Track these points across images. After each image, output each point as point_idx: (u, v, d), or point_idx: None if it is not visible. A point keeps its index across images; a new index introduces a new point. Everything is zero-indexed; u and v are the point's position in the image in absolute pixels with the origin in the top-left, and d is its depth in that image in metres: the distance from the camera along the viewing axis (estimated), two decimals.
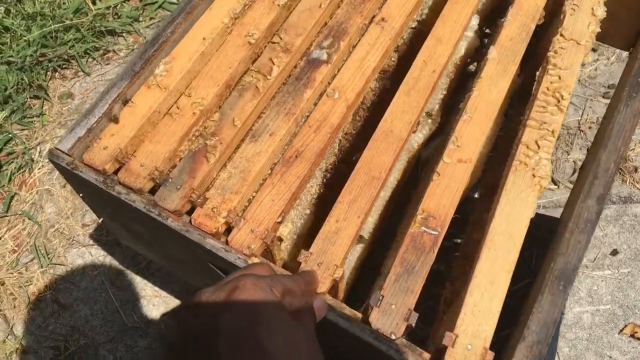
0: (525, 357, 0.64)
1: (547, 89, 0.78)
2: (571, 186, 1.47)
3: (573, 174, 1.50)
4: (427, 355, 0.67)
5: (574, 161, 1.53)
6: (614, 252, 1.39)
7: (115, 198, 0.77)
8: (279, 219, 0.75)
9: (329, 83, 0.85)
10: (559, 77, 0.78)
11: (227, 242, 0.73)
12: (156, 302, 1.39)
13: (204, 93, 0.83)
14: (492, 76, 0.82)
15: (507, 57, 0.83)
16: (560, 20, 0.83)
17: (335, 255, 0.72)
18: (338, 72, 0.85)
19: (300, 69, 0.85)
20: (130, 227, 0.87)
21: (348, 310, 0.69)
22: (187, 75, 0.85)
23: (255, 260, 0.71)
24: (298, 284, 0.58)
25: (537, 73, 0.81)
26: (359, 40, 0.87)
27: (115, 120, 0.80)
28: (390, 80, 0.96)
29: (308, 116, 0.83)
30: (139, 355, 1.34)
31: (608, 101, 1.59)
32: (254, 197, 0.79)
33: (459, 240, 0.95)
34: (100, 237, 1.49)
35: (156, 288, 1.42)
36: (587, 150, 1.39)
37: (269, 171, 0.81)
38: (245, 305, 0.49)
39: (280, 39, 0.87)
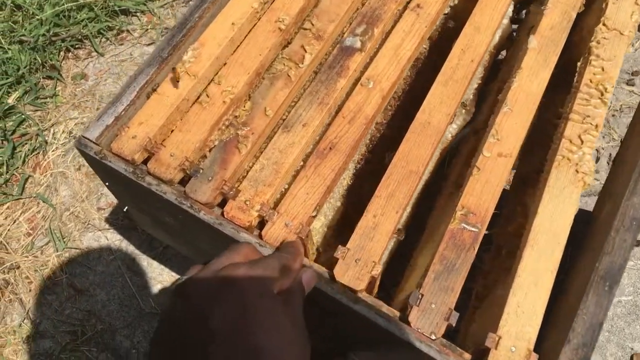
0: None
1: (590, 81, 0.75)
2: (596, 175, 1.45)
3: (597, 161, 1.48)
4: (467, 355, 0.65)
5: (596, 149, 1.50)
6: (638, 243, 1.37)
7: (144, 189, 0.75)
8: (314, 213, 0.73)
9: (363, 72, 0.82)
10: (602, 69, 0.75)
11: (260, 236, 0.71)
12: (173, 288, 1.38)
13: (234, 81, 0.81)
14: (532, 66, 0.79)
15: (548, 47, 0.81)
16: (603, 9, 0.80)
17: (373, 251, 0.70)
18: (372, 60, 0.83)
19: (333, 57, 0.82)
20: (157, 217, 0.85)
21: (386, 309, 0.68)
22: (216, 62, 0.83)
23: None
24: (287, 261, 0.59)
25: (579, 64, 0.78)
26: (393, 27, 0.84)
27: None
28: (421, 68, 0.93)
29: (341, 106, 0.81)
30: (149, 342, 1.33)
31: (632, 88, 1.57)
32: (286, 189, 0.77)
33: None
34: (116, 221, 1.47)
35: (173, 273, 1.40)
36: (621, 141, 1.37)
37: (301, 163, 0.79)
38: (238, 302, 0.48)
39: (312, 25, 0.84)
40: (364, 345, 0.80)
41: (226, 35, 0.83)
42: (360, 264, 0.69)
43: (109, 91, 1.65)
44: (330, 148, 0.76)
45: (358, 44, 0.82)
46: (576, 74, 0.78)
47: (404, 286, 0.83)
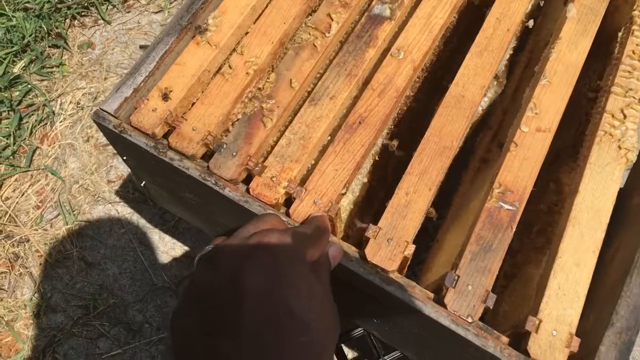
0: (614, 344, 0.60)
1: (633, 53, 0.71)
2: None
3: None
4: (505, 339, 0.63)
5: None
6: None
7: (166, 164, 0.72)
8: (343, 191, 0.70)
9: (392, 42, 0.78)
10: None
11: (288, 214, 0.68)
12: (186, 262, 1.36)
13: (257, 51, 0.77)
14: (571, 37, 0.75)
15: (587, 16, 0.77)
16: None
17: (405, 230, 0.67)
18: (401, 29, 0.79)
19: (361, 25, 0.78)
20: (176, 193, 0.82)
21: (419, 290, 0.65)
22: (238, 31, 0.79)
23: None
24: (316, 234, 0.56)
25: (620, 34, 0.75)
26: None
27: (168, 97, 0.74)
28: (449, 38, 0.89)
29: (369, 78, 0.77)
30: (169, 316, 1.31)
31: None
32: (312, 165, 0.74)
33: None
34: (126, 194, 1.44)
35: (186, 247, 1.38)
36: None
37: (328, 137, 0.76)
38: (271, 265, 0.46)
39: None
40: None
41: (248, 2, 0.80)
42: (392, 244, 0.66)
43: (117, 60, 1.60)
44: (360, 122, 0.72)
45: (387, 12, 0.78)
46: (617, 45, 0.75)
47: (431, 265, 0.81)
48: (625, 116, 0.68)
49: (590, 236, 0.64)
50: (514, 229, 0.66)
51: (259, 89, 0.77)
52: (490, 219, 0.67)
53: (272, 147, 0.75)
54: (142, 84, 0.75)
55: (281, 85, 0.75)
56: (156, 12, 1.67)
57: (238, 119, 0.76)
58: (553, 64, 0.74)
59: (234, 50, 0.78)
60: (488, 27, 0.77)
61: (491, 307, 0.63)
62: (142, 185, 0.86)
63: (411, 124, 0.88)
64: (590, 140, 0.69)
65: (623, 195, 0.70)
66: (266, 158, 0.72)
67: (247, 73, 0.75)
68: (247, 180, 0.72)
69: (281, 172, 0.70)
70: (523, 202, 0.68)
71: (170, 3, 1.67)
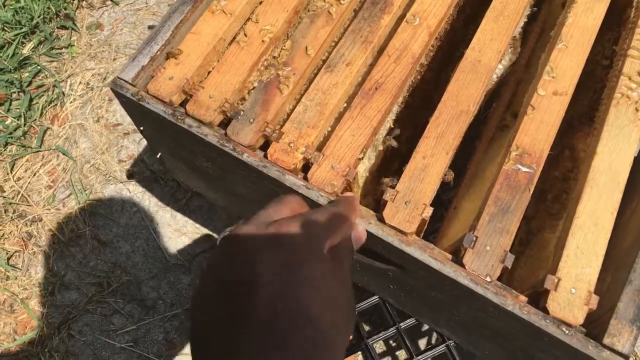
0: (632, 302, 0.61)
1: None
2: None
3: None
4: (523, 298, 0.63)
5: None
6: None
7: (184, 131, 0.72)
8: (361, 155, 0.70)
9: (407, 8, 0.78)
10: None
11: (306, 179, 0.69)
12: (198, 240, 1.37)
13: (272, 19, 0.77)
14: (587, 1, 0.75)
15: None
16: None
17: (423, 193, 0.67)
18: None
19: None
20: (193, 163, 0.83)
21: (437, 251, 0.66)
22: None
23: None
24: (340, 216, 0.55)
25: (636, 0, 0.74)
26: None
27: (174, 55, 0.74)
28: (462, 7, 0.89)
29: (384, 45, 0.77)
30: (183, 292, 1.33)
31: None
32: (329, 131, 0.74)
33: None
34: (138, 173, 1.45)
35: (197, 225, 1.39)
36: None
37: (344, 104, 0.76)
38: (287, 258, 0.45)
39: None
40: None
41: None
42: (410, 207, 0.67)
43: (125, 41, 1.61)
44: (376, 88, 0.73)
45: None
46: (633, 10, 0.74)
47: (446, 231, 0.81)
48: None
49: (608, 197, 0.64)
50: (531, 191, 0.67)
51: (274, 57, 0.78)
52: (508, 181, 0.67)
53: (289, 114, 0.75)
54: (159, 52, 0.76)
55: (297, 52, 0.75)
56: None
57: (254, 87, 0.76)
58: (569, 29, 0.74)
59: (249, 18, 0.79)
60: None
61: (509, 267, 0.63)
62: (158, 156, 0.87)
63: (425, 93, 0.88)
64: (607, 103, 0.70)
65: (637, 160, 0.70)
66: (283, 125, 0.73)
67: (262, 41, 0.76)
68: (264, 147, 0.72)
69: (298, 138, 0.71)
70: (540, 164, 0.68)
71: None
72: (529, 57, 0.96)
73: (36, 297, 1.33)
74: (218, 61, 0.76)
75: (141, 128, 0.81)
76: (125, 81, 0.74)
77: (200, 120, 0.72)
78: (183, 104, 0.75)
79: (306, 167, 0.71)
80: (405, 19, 0.76)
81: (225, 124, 0.74)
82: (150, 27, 1.61)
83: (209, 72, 0.77)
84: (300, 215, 0.51)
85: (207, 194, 0.95)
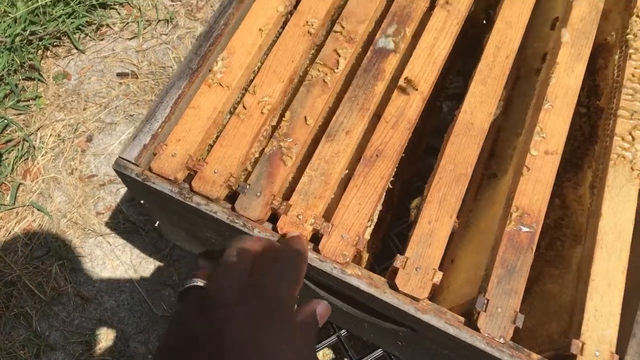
0: (638, 354, 0.65)
1: (633, 76, 0.76)
2: None
3: None
4: (535, 356, 0.66)
5: None
6: None
7: (191, 208, 0.73)
8: (369, 223, 0.73)
9: (398, 73, 0.81)
10: None
11: (317, 250, 0.70)
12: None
13: (269, 90, 0.79)
14: (567, 61, 0.80)
15: (580, 40, 0.81)
16: (633, 0, 0.81)
17: (432, 258, 0.70)
18: (406, 61, 0.82)
19: (367, 59, 0.81)
20: (195, 233, 0.83)
21: (450, 315, 0.68)
22: (247, 71, 0.81)
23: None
24: (298, 265, 0.59)
25: (616, 58, 0.79)
26: (425, 26, 0.83)
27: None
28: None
29: (378, 110, 0.80)
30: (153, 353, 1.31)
31: None
32: (333, 198, 0.76)
33: None
34: (117, 225, 1.43)
35: (182, 274, 1.38)
36: None
37: (346, 171, 0.78)
38: (257, 317, 0.48)
39: (342, 27, 0.82)
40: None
41: (254, 42, 0.81)
42: (421, 272, 0.69)
43: (94, 90, 1.59)
44: (377, 155, 0.75)
45: (391, 45, 0.81)
46: (615, 69, 0.79)
47: (450, 284, 0.84)
48: (633, 138, 0.73)
49: (617, 256, 0.68)
50: (534, 250, 0.70)
51: (273, 127, 0.79)
52: (512, 242, 0.70)
53: (291, 183, 0.77)
54: (160, 129, 0.76)
55: (297, 122, 0.77)
56: (130, 39, 1.66)
57: (256, 158, 0.78)
58: (554, 89, 0.78)
59: (246, 90, 0.80)
60: (488, 55, 0.81)
61: (520, 327, 0.66)
62: (156, 225, 0.87)
63: (410, 146, 0.91)
64: (604, 163, 0.74)
65: None
66: (287, 195, 0.74)
67: (261, 112, 0.77)
68: (272, 218, 0.74)
69: (306, 210, 0.72)
70: (540, 223, 0.71)
71: (144, 28, 1.66)
72: (506, 105, 1.00)
73: None
74: (219, 134, 0.78)
75: (142, 202, 0.81)
76: (129, 161, 0.74)
77: (207, 196, 0.73)
78: (186, 178, 0.76)
79: (315, 237, 0.73)
80: (398, 85, 0.79)
81: (230, 196, 0.75)
82: (119, 75, 1.60)
83: (210, 146, 0.78)
84: (281, 275, 0.55)
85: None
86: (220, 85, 0.78)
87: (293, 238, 0.69)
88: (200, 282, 0.55)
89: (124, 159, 0.74)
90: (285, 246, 0.65)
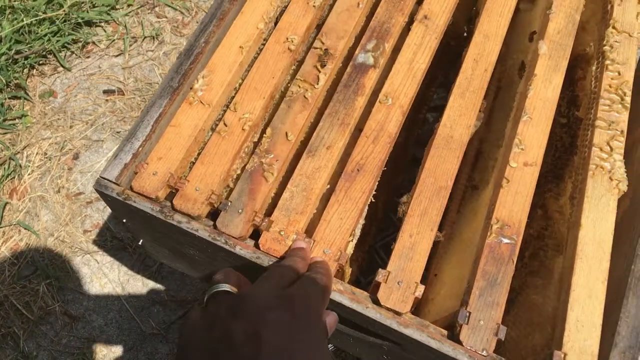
0: None
1: (610, 86, 0.77)
2: None
3: None
4: None
5: None
6: None
7: (173, 227, 0.73)
8: (350, 238, 0.73)
9: (378, 88, 0.82)
10: (619, 73, 0.77)
11: None
12: (173, 307, 1.36)
13: (250, 107, 0.79)
14: (545, 73, 0.80)
15: (557, 52, 0.82)
16: (609, 12, 0.82)
17: (413, 272, 0.70)
18: (386, 76, 0.82)
19: (347, 75, 0.81)
20: (179, 250, 0.83)
21: (433, 328, 0.68)
22: (228, 88, 0.81)
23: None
24: (328, 285, 0.62)
25: (593, 69, 0.80)
26: (404, 41, 0.84)
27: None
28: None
29: (359, 125, 0.80)
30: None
31: None
32: (314, 214, 0.76)
33: None
34: (104, 242, 1.43)
35: (171, 292, 1.38)
36: None
37: (327, 186, 0.78)
38: (291, 325, 0.49)
39: (322, 43, 0.83)
40: None
41: (235, 59, 0.82)
42: (403, 286, 0.69)
43: (81, 107, 1.59)
44: (358, 170, 0.75)
45: (371, 61, 0.82)
46: (592, 80, 0.80)
47: (434, 297, 0.84)
48: (611, 148, 0.73)
49: (597, 267, 0.69)
50: (514, 262, 0.70)
51: (254, 143, 0.79)
52: (493, 254, 0.70)
53: (273, 199, 0.77)
54: (140, 148, 0.76)
55: (278, 139, 0.77)
56: (116, 56, 1.66)
57: (238, 175, 0.78)
58: (532, 101, 0.78)
59: (227, 107, 0.80)
60: (467, 69, 0.81)
61: (503, 339, 0.67)
62: (140, 243, 0.87)
63: (394, 157, 0.92)
64: (583, 174, 0.74)
65: None
66: (269, 211, 0.74)
67: (242, 129, 0.77)
68: (254, 234, 0.74)
69: (288, 226, 0.72)
70: (520, 234, 0.72)
71: (130, 45, 1.67)
72: (487, 117, 1.00)
73: None
74: (200, 152, 0.78)
75: (124, 220, 0.81)
76: (109, 180, 0.74)
77: (188, 214, 0.73)
78: (168, 196, 0.76)
79: None
80: (378, 100, 0.80)
81: (212, 213, 0.75)
82: (105, 92, 1.60)
83: (192, 163, 0.78)
84: (297, 288, 0.57)
85: (190, 273, 0.96)
86: (201, 103, 0.79)
87: (322, 262, 0.69)
88: (228, 288, 0.55)
89: (105, 179, 0.74)
90: (318, 268, 0.67)
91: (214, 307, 0.54)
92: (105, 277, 1.40)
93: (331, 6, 0.87)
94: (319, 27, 0.89)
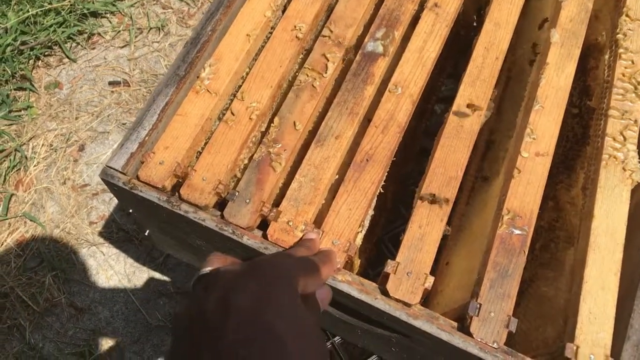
0: (633, 357, 0.64)
1: (623, 75, 0.75)
2: None
3: None
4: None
5: None
6: None
7: (180, 216, 0.72)
8: (360, 229, 0.72)
9: (387, 77, 0.81)
10: (632, 62, 0.76)
11: None
12: (179, 299, 1.35)
13: (257, 96, 0.78)
14: (557, 61, 0.79)
15: (570, 40, 0.81)
16: (622, 0, 0.81)
17: (423, 263, 0.69)
18: (395, 64, 0.81)
19: (356, 63, 0.80)
20: (185, 240, 0.82)
21: (443, 320, 0.67)
22: (235, 77, 0.80)
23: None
24: (315, 266, 0.59)
25: (606, 57, 0.79)
26: (414, 29, 0.83)
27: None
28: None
29: (368, 114, 0.79)
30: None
31: None
32: (323, 204, 0.75)
33: None
34: (110, 234, 1.42)
35: (177, 284, 1.37)
36: None
37: (336, 176, 0.77)
38: (261, 284, 0.49)
39: (331, 31, 0.82)
40: None
41: (242, 47, 0.81)
42: (412, 277, 0.68)
43: (86, 98, 1.58)
44: (367, 160, 0.74)
45: (380, 49, 0.81)
46: (605, 68, 0.78)
47: (444, 289, 0.83)
48: (625, 138, 0.72)
49: (610, 258, 0.68)
50: (526, 253, 0.69)
51: (262, 132, 0.78)
52: (504, 245, 0.69)
53: (281, 189, 0.76)
54: (147, 137, 0.75)
55: (286, 128, 0.76)
56: (122, 47, 1.66)
57: (245, 164, 0.77)
58: (544, 90, 0.77)
59: (234, 96, 0.79)
60: (477, 57, 0.80)
61: (514, 331, 0.66)
62: (145, 234, 0.86)
63: (403, 146, 0.91)
64: (596, 164, 0.73)
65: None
66: (277, 202, 0.73)
67: (250, 118, 0.76)
68: (262, 225, 0.73)
69: (296, 216, 0.71)
70: (532, 225, 0.71)
71: (136, 36, 1.66)
72: (499, 106, 0.99)
73: None
74: (207, 141, 0.77)
75: (130, 210, 0.81)
76: (116, 170, 0.73)
77: (195, 204, 0.72)
78: (175, 185, 0.75)
79: None
80: (387, 89, 0.78)
81: (220, 203, 0.75)
82: (111, 83, 1.59)
83: (199, 152, 0.77)
84: (280, 253, 0.58)
85: (196, 264, 0.95)
86: (208, 91, 0.78)
87: (326, 250, 0.68)
88: (208, 270, 0.55)
89: (111, 168, 0.74)
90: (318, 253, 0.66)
91: (194, 291, 0.54)
92: (111, 269, 1.39)
93: None
94: (327, 14, 0.88)
